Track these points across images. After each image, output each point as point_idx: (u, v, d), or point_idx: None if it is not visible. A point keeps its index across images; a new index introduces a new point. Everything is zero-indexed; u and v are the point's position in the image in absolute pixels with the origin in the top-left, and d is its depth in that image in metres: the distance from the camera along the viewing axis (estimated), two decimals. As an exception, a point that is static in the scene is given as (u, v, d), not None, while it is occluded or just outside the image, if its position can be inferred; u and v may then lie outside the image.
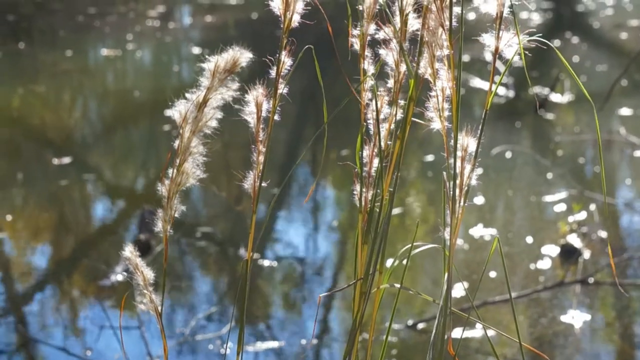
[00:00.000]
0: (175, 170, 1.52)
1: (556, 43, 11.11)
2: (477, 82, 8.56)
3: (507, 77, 8.65)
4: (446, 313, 1.59)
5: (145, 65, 10.54)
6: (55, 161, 6.42)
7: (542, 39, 1.41)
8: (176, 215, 1.55)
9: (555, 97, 8.26)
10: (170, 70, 10.00)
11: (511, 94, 8.40)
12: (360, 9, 1.58)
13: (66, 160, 6.46)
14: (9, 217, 5.57)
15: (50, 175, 6.21)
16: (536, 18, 13.36)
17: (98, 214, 5.96)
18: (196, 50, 10.84)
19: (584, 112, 7.85)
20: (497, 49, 1.43)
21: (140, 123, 7.83)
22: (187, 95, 1.52)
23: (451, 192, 1.46)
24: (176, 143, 1.52)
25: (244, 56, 1.50)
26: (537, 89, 8.64)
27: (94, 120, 8.17)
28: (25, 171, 6.43)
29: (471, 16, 9.26)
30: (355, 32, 1.59)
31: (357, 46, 1.59)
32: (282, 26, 1.47)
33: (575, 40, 11.53)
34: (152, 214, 5.23)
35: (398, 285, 1.66)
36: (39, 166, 6.49)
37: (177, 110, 1.51)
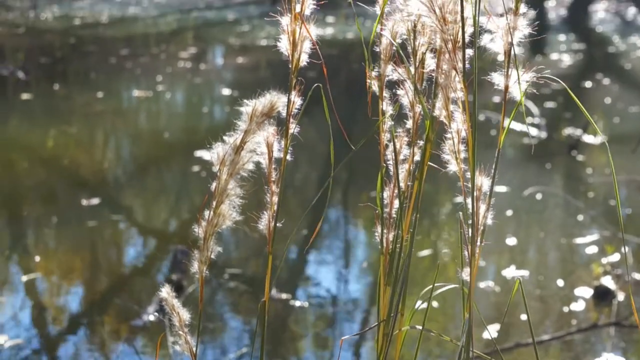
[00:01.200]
0: (211, 212, 1.53)
1: (587, 84, 11.07)
2: (512, 124, 8.54)
3: (539, 118, 8.63)
4: (468, 356, 1.58)
5: (175, 107, 10.63)
6: (84, 202, 6.46)
7: (553, 77, 1.41)
8: (212, 256, 1.56)
9: (588, 138, 8.22)
10: (200, 111, 10.08)
11: (543, 134, 8.38)
12: (377, 50, 1.59)
13: (95, 201, 6.51)
14: (38, 258, 5.61)
15: (79, 216, 6.25)
16: (567, 59, 13.33)
17: (129, 254, 5.99)
18: (226, 91, 10.93)
19: (617, 153, 7.80)
20: (506, 87, 1.43)
21: (170, 164, 7.88)
22: (224, 137, 1.54)
23: (468, 232, 1.46)
24: (213, 185, 1.53)
25: (281, 100, 1.51)
26: (569, 130, 8.60)
27: (124, 161, 8.24)
28: (56, 212, 6.49)
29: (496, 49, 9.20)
30: (373, 73, 1.61)
31: (375, 87, 1.60)
32: (290, 66, 1.48)
33: (606, 81, 11.48)
34: (185, 253, 5.25)
35: (420, 327, 1.66)
36: (69, 207, 6.54)
37: (215, 153, 1.53)
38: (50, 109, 9.92)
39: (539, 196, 6.62)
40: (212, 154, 1.53)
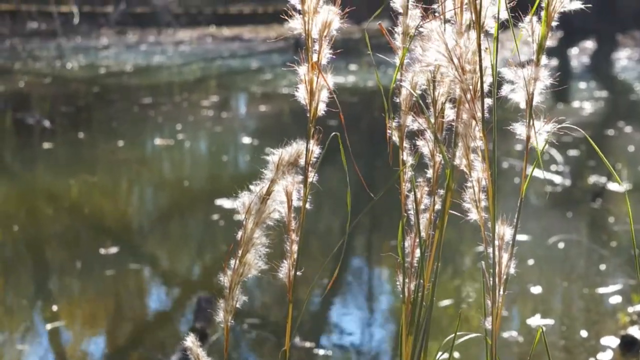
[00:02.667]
0: (237, 261, 1.53)
1: (610, 132, 11.04)
2: (536, 172, 8.51)
3: (562, 166, 8.60)
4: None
5: (196, 155, 10.68)
6: (103, 251, 6.48)
7: (574, 127, 1.41)
8: (237, 305, 1.56)
9: (613, 186, 8.18)
10: (220, 159, 10.12)
11: (567, 182, 8.34)
12: (398, 100, 1.60)
13: (113, 250, 6.53)
14: (60, 307, 5.62)
15: (101, 264, 6.27)
16: (588, 107, 13.31)
17: (151, 303, 5.99)
18: (247, 139, 10.98)
19: (642, 200, 7.75)
20: (528, 137, 1.44)
21: (190, 212, 7.90)
22: (249, 186, 1.54)
23: (490, 281, 1.45)
24: (239, 234, 1.54)
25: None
26: (594, 178, 8.57)
27: (144, 209, 8.27)
28: (78, 260, 6.51)
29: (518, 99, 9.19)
30: (393, 123, 1.61)
31: (395, 138, 1.61)
32: (308, 115, 1.49)
33: (628, 129, 11.45)
34: (209, 301, 5.24)
35: (442, 377, 1.64)
36: (90, 255, 6.55)
37: (241, 202, 1.53)
38: (74, 157, 10.00)
39: (562, 244, 6.58)
40: (237, 203, 1.54)
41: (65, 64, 19.91)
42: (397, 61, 1.56)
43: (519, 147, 9.42)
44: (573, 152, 9.54)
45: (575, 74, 18.03)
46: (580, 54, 22.10)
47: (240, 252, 1.54)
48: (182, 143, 10.69)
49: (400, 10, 1.57)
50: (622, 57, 21.78)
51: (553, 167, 8.66)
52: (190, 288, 6.09)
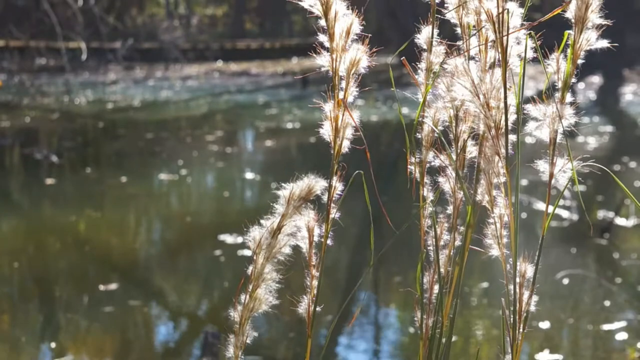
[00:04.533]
0: (248, 296, 1.53)
1: (616, 167, 11.04)
2: (541, 206, 8.52)
3: (570, 201, 8.60)
4: None
5: (200, 190, 10.69)
6: (102, 287, 6.47)
7: (598, 164, 1.42)
8: (247, 340, 1.55)
9: (620, 221, 8.17)
10: (222, 195, 10.11)
11: (575, 217, 8.33)
12: (419, 136, 1.61)
13: (113, 286, 6.52)
14: (65, 343, 5.61)
15: (99, 301, 6.25)
16: (592, 142, 13.32)
17: (152, 339, 5.96)
18: (250, 175, 10.99)
19: (651, 236, 7.74)
20: (551, 174, 1.45)
21: (192, 248, 7.89)
22: (260, 221, 1.55)
23: (510, 319, 1.45)
24: (249, 269, 1.54)
25: (319, 184, 1.52)
26: (601, 213, 8.56)
27: (146, 245, 8.25)
28: (76, 297, 6.49)
29: (529, 139, 9.22)
30: (414, 159, 1.62)
31: (416, 174, 1.62)
32: (332, 152, 1.50)
33: (633, 164, 11.45)
34: (216, 336, 5.23)
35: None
36: (89, 292, 6.53)
37: (252, 237, 1.53)
38: (80, 193, 10.02)
39: (571, 279, 6.56)
40: (248, 237, 1.54)
41: (73, 99, 20.01)
42: (419, 96, 1.58)
43: (524, 181, 9.42)
44: (580, 187, 9.54)
45: (581, 108, 18.04)
46: (586, 89, 22.15)
47: (251, 287, 1.54)
48: (185, 178, 10.71)
49: (424, 46, 1.59)
50: (628, 92, 21.83)
51: (561, 202, 8.65)
52: (194, 323, 6.07)
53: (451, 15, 1.53)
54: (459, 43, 1.51)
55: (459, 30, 1.53)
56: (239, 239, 7.50)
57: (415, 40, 1.59)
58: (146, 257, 7.74)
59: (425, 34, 1.59)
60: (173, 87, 23.33)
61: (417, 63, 1.60)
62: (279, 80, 25.28)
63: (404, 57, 1.59)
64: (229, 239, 7.57)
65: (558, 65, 1.45)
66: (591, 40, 1.45)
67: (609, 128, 15.35)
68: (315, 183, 1.52)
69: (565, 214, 8.34)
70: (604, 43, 1.45)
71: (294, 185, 1.53)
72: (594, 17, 1.45)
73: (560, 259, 7.08)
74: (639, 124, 16.56)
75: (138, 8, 40.02)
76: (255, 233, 1.53)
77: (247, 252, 7.14)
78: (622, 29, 29.14)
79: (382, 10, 29.19)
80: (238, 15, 41.67)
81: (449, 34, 1.55)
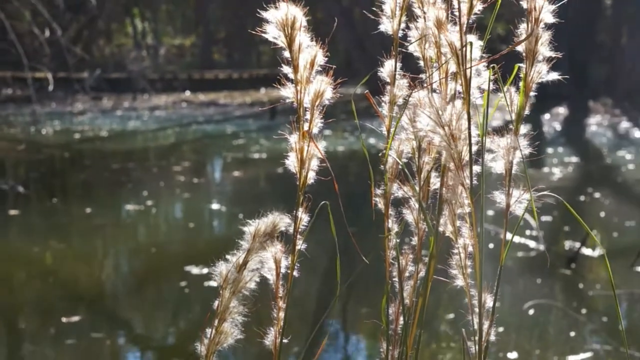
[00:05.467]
0: (214, 330, 1.53)
1: (581, 198, 11.14)
2: (509, 236, 8.55)
3: (537, 231, 8.65)
4: None
5: (165, 221, 10.63)
6: (64, 319, 6.40)
7: (554, 195, 1.43)
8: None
9: (587, 251, 8.23)
10: (188, 226, 10.06)
11: (541, 247, 8.38)
12: (383, 168, 1.62)
13: (75, 318, 6.45)
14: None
15: (61, 333, 6.18)
16: (557, 173, 13.44)
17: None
18: (216, 206, 10.94)
19: (617, 266, 7.79)
20: (507, 205, 1.46)
21: (157, 280, 7.82)
22: (226, 255, 1.55)
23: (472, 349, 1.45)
24: (215, 303, 1.54)
25: (283, 221, 1.53)
26: (568, 243, 8.61)
27: (111, 277, 8.16)
28: (37, 329, 6.41)
29: (497, 170, 9.24)
30: (379, 191, 1.63)
31: (380, 205, 1.62)
32: (297, 183, 1.50)
33: (597, 195, 11.56)
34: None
35: None
36: (51, 324, 6.45)
37: (218, 272, 1.53)
38: (45, 223, 9.94)
39: (537, 309, 6.58)
40: (215, 272, 1.54)
41: (40, 129, 19.90)
42: (382, 129, 1.58)
43: (491, 212, 9.45)
44: (547, 218, 9.60)
45: (547, 139, 18.22)
46: (552, 120, 22.37)
47: (217, 320, 1.54)
48: (151, 209, 10.64)
49: (388, 80, 1.60)
50: (593, 124, 22.07)
51: (527, 232, 8.70)
52: (159, 356, 6.01)
53: (414, 49, 1.55)
54: (422, 76, 1.52)
55: (422, 63, 1.54)
56: (205, 270, 7.46)
57: (379, 73, 1.60)
58: (111, 289, 7.67)
59: (388, 68, 1.60)
60: (141, 117, 23.27)
61: (381, 96, 1.61)
62: (247, 110, 25.31)
63: (367, 91, 1.59)
64: (195, 270, 7.53)
65: (511, 97, 1.47)
66: (542, 72, 1.47)
67: (574, 159, 15.50)
68: (280, 220, 1.53)
69: (532, 244, 8.39)
70: (555, 75, 1.47)
71: (259, 222, 1.54)
72: (544, 50, 1.47)
73: (527, 289, 7.11)
74: (604, 154, 16.74)
75: (106, 38, 39.99)
76: (222, 268, 1.54)
77: (213, 283, 7.10)
78: (587, 61, 29.55)
79: (350, 41, 29.36)
80: (206, 46, 41.74)
81: (414, 67, 1.56)
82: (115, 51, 38.76)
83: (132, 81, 29.70)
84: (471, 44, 1.39)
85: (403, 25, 1.57)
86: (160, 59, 39.98)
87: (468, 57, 1.39)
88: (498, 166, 1.47)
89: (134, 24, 41.23)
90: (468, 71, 1.39)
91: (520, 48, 1.48)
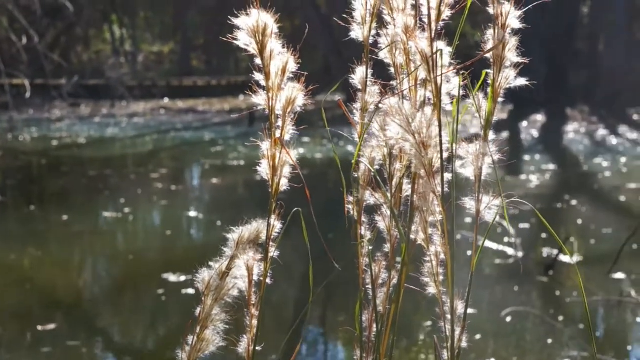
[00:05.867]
0: (195, 337, 1.53)
1: (558, 205, 11.18)
2: (486, 243, 8.58)
3: (515, 238, 8.67)
4: None
5: (142, 229, 10.58)
6: (40, 327, 6.35)
7: (523, 201, 1.43)
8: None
9: (565, 259, 8.26)
10: (165, 234, 10.01)
11: (520, 254, 8.41)
12: (356, 176, 1.62)
13: (51, 326, 6.40)
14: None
15: (36, 342, 6.13)
16: (535, 180, 13.49)
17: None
18: (193, 213, 10.90)
19: (594, 273, 7.83)
20: (477, 211, 1.46)
21: (135, 287, 7.78)
22: (210, 263, 1.54)
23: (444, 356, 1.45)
24: (198, 310, 1.53)
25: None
26: (546, 250, 8.64)
27: (88, 285, 8.10)
28: (12, 337, 6.36)
29: (471, 176, 9.24)
30: (351, 198, 1.63)
31: (353, 212, 1.62)
32: (270, 190, 1.50)
33: (574, 202, 11.61)
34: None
35: None
36: (26, 332, 6.41)
37: (201, 278, 1.53)
38: (22, 231, 9.88)
39: (515, 317, 6.60)
40: (197, 279, 1.53)
41: (17, 136, 19.78)
42: (355, 136, 1.58)
43: (468, 219, 9.50)
44: (525, 225, 9.63)
45: (524, 146, 18.30)
46: (529, 127, 22.47)
47: (198, 328, 1.53)
48: (129, 216, 10.60)
49: (359, 87, 1.60)
50: (570, 131, 22.19)
51: (505, 239, 8.72)
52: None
53: (384, 56, 1.55)
54: (393, 83, 1.52)
55: (392, 70, 1.54)
56: (183, 278, 7.43)
57: (352, 80, 1.60)
58: (88, 296, 7.63)
59: (359, 74, 1.60)
60: (119, 124, 23.19)
61: (354, 102, 1.61)
62: (225, 117, 25.28)
63: (339, 99, 1.59)
64: (172, 277, 7.50)
65: (479, 104, 1.47)
66: (510, 78, 1.48)
67: (551, 166, 15.57)
68: (264, 227, 1.53)
69: (510, 251, 8.41)
70: (522, 81, 1.48)
71: (243, 229, 1.54)
72: (512, 56, 1.48)
73: (504, 296, 7.13)
74: (581, 162, 16.83)
75: (83, 45, 39.85)
76: (205, 274, 1.53)
77: (190, 291, 7.08)
78: (565, 68, 29.71)
79: (328, 48, 29.38)
80: (185, 53, 41.67)
81: (386, 74, 1.56)
82: (93, 58, 38.63)
83: (110, 88, 29.60)
84: (441, 51, 1.40)
85: (374, 32, 1.57)
86: (139, 65, 39.87)
87: (438, 64, 1.39)
88: (468, 172, 1.47)
89: (112, 31, 41.10)
90: (439, 78, 1.39)
91: (489, 54, 1.48)
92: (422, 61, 1.39)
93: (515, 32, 1.48)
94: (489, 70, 1.48)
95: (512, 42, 1.46)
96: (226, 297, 1.53)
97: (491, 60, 1.48)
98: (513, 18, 1.46)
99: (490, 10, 1.47)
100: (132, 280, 7.94)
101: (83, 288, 7.89)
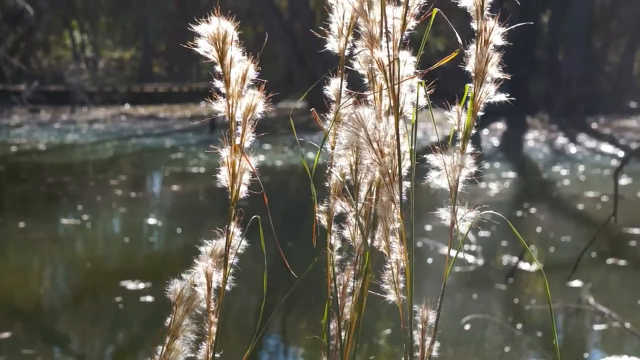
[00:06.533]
0: (164, 348, 1.52)
1: (518, 213, 11.27)
2: (446, 251, 8.60)
3: (476, 246, 8.73)
4: None
5: (100, 236, 10.48)
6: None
7: (497, 213, 1.44)
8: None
9: (524, 266, 8.32)
10: (123, 241, 9.93)
11: (480, 262, 8.46)
12: (327, 185, 1.62)
13: (5, 334, 6.33)
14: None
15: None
16: (494, 188, 13.59)
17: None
18: (152, 220, 10.83)
19: (553, 281, 7.90)
20: (452, 222, 1.46)
21: (92, 295, 7.70)
22: (183, 275, 1.54)
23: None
24: (168, 320, 1.53)
25: (238, 243, 1.52)
26: (506, 258, 8.71)
27: (44, 292, 7.99)
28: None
29: (432, 185, 9.26)
30: (322, 207, 1.63)
31: (323, 221, 1.62)
32: (229, 197, 1.50)
33: (534, 210, 11.71)
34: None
35: None
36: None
37: (173, 289, 1.52)
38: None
39: (474, 324, 6.63)
40: (169, 291, 1.53)
41: (-25, 141, 19.58)
42: (327, 146, 1.58)
43: (428, 227, 9.53)
44: (485, 233, 9.70)
45: (484, 154, 18.45)
46: (490, 135, 22.64)
47: (168, 338, 1.53)
48: (87, 223, 10.50)
49: (333, 98, 1.60)
50: (530, 139, 22.39)
51: (466, 247, 8.77)
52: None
53: (358, 66, 1.55)
54: (366, 93, 1.52)
55: (367, 80, 1.55)
56: (141, 285, 7.38)
57: (322, 89, 1.60)
58: (45, 304, 7.54)
59: (334, 86, 1.60)
60: (79, 130, 23.02)
61: (323, 111, 1.61)
62: (187, 124, 25.20)
63: (313, 109, 1.59)
64: (130, 285, 7.44)
65: (459, 117, 1.48)
66: (490, 93, 1.48)
67: (511, 174, 15.69)
68: (236, 242, 1.53)
69: (470, 258, 8.46)
70: (502, 97, 1.48)
71: (215, 242, 1.54)
72: (494, 71, 1.48)
73: (464, 303, 7.16)
74: (540, 170, 16.98)
75: (44, 50, 39.52)
76: (177, 285, 1.53)
77: (149, 299, 7.03)
78: (526, 77, 30.00)
79: (291, 56, 29.42)
80: (146, 59, 41.49)
81: (359, 83, 1.56)
82: (53, 63, 38.33)
83: (71, 94, 29.38)
84: (398, 59, 1.40)
85: (349, 45, 1.57)
86: (99, 71, 39.63)
87: (397, 73, 1.40)
88: (443, 183, 1.48)
89: (72, 36, 40.81)
90: (397, 87, 1.39)
91: (470, 68, 1.49)
92: (379, 69, 1.40)
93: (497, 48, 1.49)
94: (470, 85, 1.49)
95: (495, 56, 1.47)
96: (197, 309, 1.53)
97: (472, 74, 1.48)
98: (496, 34, 1.47)
99: (474, 25, 1.48)
100: (90, 287, 7.86)
101: (40, 295, 7.80)
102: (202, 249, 1.54)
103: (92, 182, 14.16)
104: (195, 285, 1.52)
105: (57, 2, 37.34)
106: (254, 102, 1.45)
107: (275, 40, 28.68)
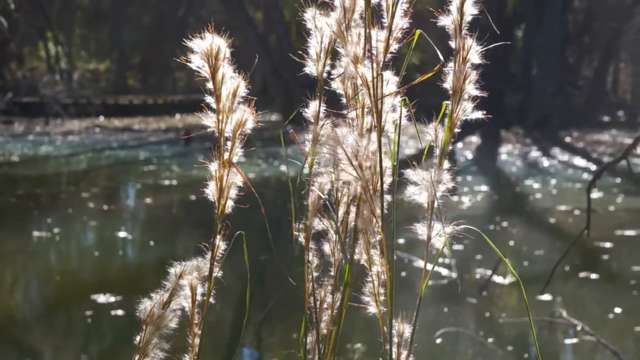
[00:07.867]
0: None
1: (490, 227, 11.33)
2: (421, 264, 8.63)
3: (449, 259, 8.76)
4: None
5: (71, 249, 10.39)
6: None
7: (473, 227, 1.47)
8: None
9: (498, 279, 8.37)
10: (94, 254, 9.84)
11: (454, 275, 8.49)
12: (305, 203, 1.64)
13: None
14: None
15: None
16: (467, 201, 13.65)
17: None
18: (123, 233, 10.76)
19: (526, 294, 7.94)
20: (429, 237, 1.49)
21: (61, 308, 7.63)
22: (152, 295, 1.55)
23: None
24: (137, 338, 1.53)
25: (206, 267, 1.53)
26: (479, 271, 8.74)
27: (12, 306, 7.90)
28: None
29: (408, 199, 9.27)
30: (299, 224, 1.64)
31: (302, 239, 1.64)
32: (216, 212, 1.51)
33: (505, 224, 11.78)
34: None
35: None
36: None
37: (143, 308, 1.53)
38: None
39: (446, 337, 6.66)
40: (139, 310, 1.54)
41: (-53, 153, 19.42)
42: (305, 161, 1.60)
43: (401, 240, 9.56)
44: (458, 246, 9.74)
45: (458, 168, 18.48)
46: (464, 148, 22.75)
47: (137, 356, 1.54)
48: (57, 236, 10.42)
49: (312, 120, 1.61)
50: (504, 152, 22.52)
51: (440, 260, 8.80)
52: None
53: (336, 86, 1.57)
54: (344, 112, 1.54)
55: (344, 100, 1.57)
56: (112, 299, 7.34)
57: (303, 112, 1.61)
58: (14, 317, 7.47)
59: (312, 108, 1.62)
60: (53, 142, 22.90)
61: (298, 125, 1.63)
62: (162, 136, 25.14)
63: (292, 131, 1.61)
64: (101, 298, 7.39)
65: (436, 133, 1.50)
66: (467, 110, 1.51)
67: (484, 187, 15.77)
68: (204, 265, 1.54)
69: (444, 272, 8.49)
70: (479, 114, 1.51)
71: (185, 264, 1.55)
72: (471, 89, 1.51)
73: (437, 317, 7.19)
74: (513, 183, 17.08)
75: (18, 62, 39.29)
76: (147, 304, 1.54)
77: (119, 312, 7.00)
78: (501, 90, 30.18)
79: (266, 68, 29.43)
80: (121, 71, 41.37)
81: (337, 102, 1.58)
82: (27, 75, 38.10)
83: (45, 105, 29.23)
84: (382, 75, 1.42)
85: (327, 67, 1.59)
86: (74, 83, 39.46)
87: (380, 89, 1.42)
88: (421, 198, 1.50)
89: (47, 48, 40.62)
90: (379, 102, 1.42)
91: (448, 85, 1.52)
92: (363, 85, 1.42)
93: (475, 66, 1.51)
94: (447, 102, 1.51)
95: (473, 74, 1.50)
96: (166, 328, 1.54)
97: (450, 91, 1.51)
98: (474, 52, 1.50)
99: (452, 43, 1.50)
100: (60, 300, 7.80)
101: (10, 308, 7.73)
102: (171, 270, 1.55)
103: (64, 195, 14.09)
104: (167, 306, 1.53)
105: (32, 13, 37.18)
106: (245, 117, 1.47)
107: (251, 53, 28.71)
